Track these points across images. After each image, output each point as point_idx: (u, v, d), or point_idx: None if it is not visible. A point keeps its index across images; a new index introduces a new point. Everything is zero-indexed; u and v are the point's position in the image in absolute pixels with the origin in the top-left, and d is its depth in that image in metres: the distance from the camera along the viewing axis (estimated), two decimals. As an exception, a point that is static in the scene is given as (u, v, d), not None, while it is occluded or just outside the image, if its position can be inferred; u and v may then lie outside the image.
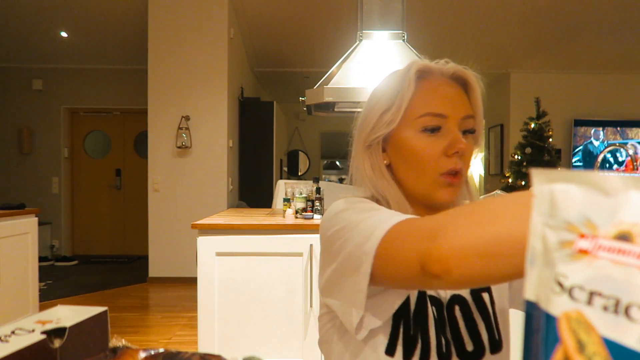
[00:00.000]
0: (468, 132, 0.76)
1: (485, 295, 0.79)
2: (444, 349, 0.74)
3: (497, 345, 0.77)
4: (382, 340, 0.72)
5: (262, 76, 7.48)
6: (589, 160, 6.65)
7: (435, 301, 0.76)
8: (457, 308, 0.77)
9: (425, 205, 0.79)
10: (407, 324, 0.73)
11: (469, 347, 0.75)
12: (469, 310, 0.77)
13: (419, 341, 0.73)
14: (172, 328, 3.61)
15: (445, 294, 0.78)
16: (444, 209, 0.75)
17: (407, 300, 0.74)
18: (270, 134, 5.77)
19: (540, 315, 0.37)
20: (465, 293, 0.78)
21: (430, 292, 0.77)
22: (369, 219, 0.64)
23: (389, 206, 0.77)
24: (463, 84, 0.77)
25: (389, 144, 0.79)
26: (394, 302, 0.70)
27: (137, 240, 6.47)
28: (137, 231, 6.39)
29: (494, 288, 0.81)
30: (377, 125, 0.77)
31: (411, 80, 0.74)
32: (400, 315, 0.73)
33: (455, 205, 0.77)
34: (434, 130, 0.74)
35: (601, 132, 6.74)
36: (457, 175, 0.74)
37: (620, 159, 6.53)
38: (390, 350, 0.72)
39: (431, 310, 0.75)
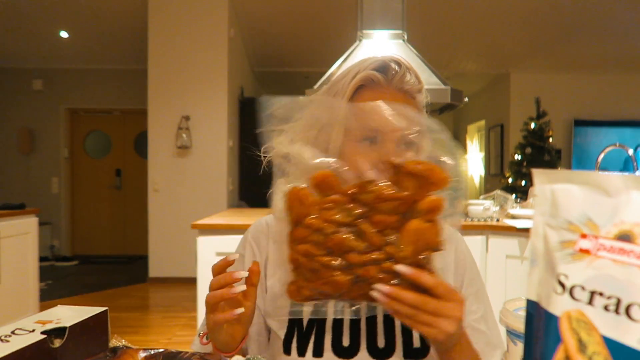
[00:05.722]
0: (406, 145, 0.75)
1: None
2: (344, 344, 0.78)
3: (413, 352, 0.78)
4: (279, 340, 0.80)
5: (262, 76, 7.47)
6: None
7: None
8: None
9: None
10: (300, 324, 0.79)
11: (381, 343, 0.78)
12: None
13: (312, 338, 0.79)
14: (172, 328, 3.60)
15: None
16: None
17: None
18: (270, 134, 5.76)
19: (542, 315, 0.37)
20: None
21: None
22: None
23: None
24: (411, 95, 0.78)
25: None
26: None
27: (137, 240, 6.46)
28: (137, 231, 6.38)
29: None
30: None
31: (350, 90, 0.77)
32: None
33: None
34: (370, 140, 0.75)
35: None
36: None
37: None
38: (286, 349, 0.80)
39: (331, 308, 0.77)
